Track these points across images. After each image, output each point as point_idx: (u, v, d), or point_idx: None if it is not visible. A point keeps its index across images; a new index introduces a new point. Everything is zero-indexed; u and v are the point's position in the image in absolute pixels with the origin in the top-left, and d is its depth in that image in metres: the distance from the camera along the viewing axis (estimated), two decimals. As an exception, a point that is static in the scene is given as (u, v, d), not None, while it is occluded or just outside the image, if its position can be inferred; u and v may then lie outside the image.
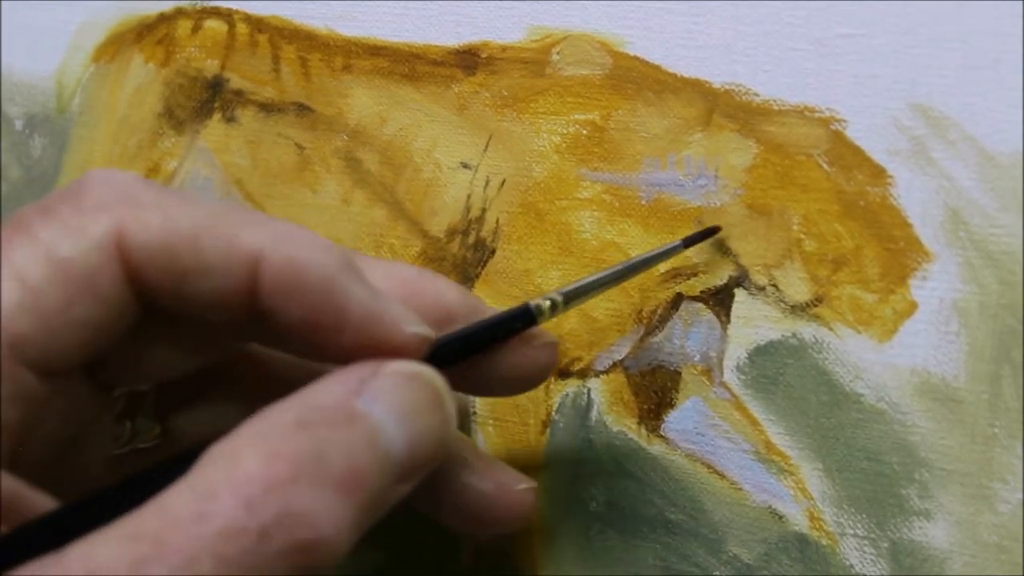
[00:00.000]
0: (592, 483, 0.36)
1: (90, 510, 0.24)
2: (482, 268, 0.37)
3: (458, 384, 0.28)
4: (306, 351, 0.28)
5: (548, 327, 0.31)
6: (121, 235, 0.26)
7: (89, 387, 0.28)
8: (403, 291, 0.29)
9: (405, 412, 0.25)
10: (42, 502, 0.25)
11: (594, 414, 0.36)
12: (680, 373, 0.35)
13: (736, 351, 0.34)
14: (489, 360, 0.30)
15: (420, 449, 0.26)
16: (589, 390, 0.36)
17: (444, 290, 0.30)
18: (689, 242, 0.33)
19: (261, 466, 0.23)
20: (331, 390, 0.25)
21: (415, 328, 0.27)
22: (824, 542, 0.33)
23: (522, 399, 0.36)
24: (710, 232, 0.34)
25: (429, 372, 0.27)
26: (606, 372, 0.36)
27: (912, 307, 0.32)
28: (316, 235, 0.27)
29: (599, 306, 0.36)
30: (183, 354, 0.29)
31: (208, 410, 0.31)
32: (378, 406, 0.25)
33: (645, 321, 0.35)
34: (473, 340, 0.29)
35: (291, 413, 0.24)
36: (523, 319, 0.30)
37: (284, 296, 0.26)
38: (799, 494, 0.33)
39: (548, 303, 0.30)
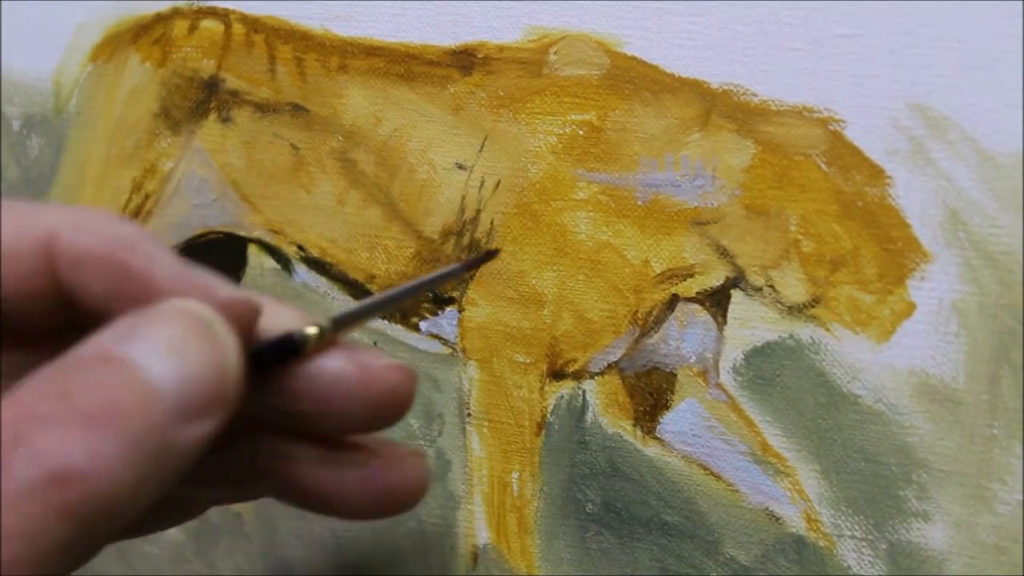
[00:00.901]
0: (588, 485, 0.36)
1: None
2: (477, 269, 0.37)
3: (302, 416, 0.27)
4: None
5: None
6: None
7: None
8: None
9: (170, 347, 0.24)
10: None
11: (589, 416, 0.36)
12: (676, 375, 0.34)
13: (732, 352, 0.34)
14: (330, 378, 0.27)
15: (195, 382, 0.24)
16: (584, 392, 0.36)
17: (279, 308, 0.28)
18: (469, 266, 0.33)
19: (7, 411, 0.22)
20: (92, 340, 0.24)
21: (231, 291, 0.26)
22: (821, 544, 0.33)
23: (517, 400, 0.36)
24: (489, 255, 0.33)
25: (196, 305, 0.25)
26: (601, 374, 0.35)
27: (910, 308, 0.31)
28: (113, 214, 0.26)
29: (594, 307, 0.35)
30: (11, 375, 0.27)
31: None
32: (139, 345, 0.24)
33: (640, 322, 0.35)
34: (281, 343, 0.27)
35: (52, 365, 0.24)
36: (287, 348, 0.27)
37: (81, 269, 0.25)
38: (796, 496, 0.33)
39: (316, 330, 0.27)
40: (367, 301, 0.30)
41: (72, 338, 0.25)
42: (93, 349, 0.24)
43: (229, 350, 0.25)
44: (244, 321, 0.26)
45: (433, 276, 0.32)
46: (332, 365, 0.27)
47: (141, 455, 0.23)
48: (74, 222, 0.26)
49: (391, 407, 0.28)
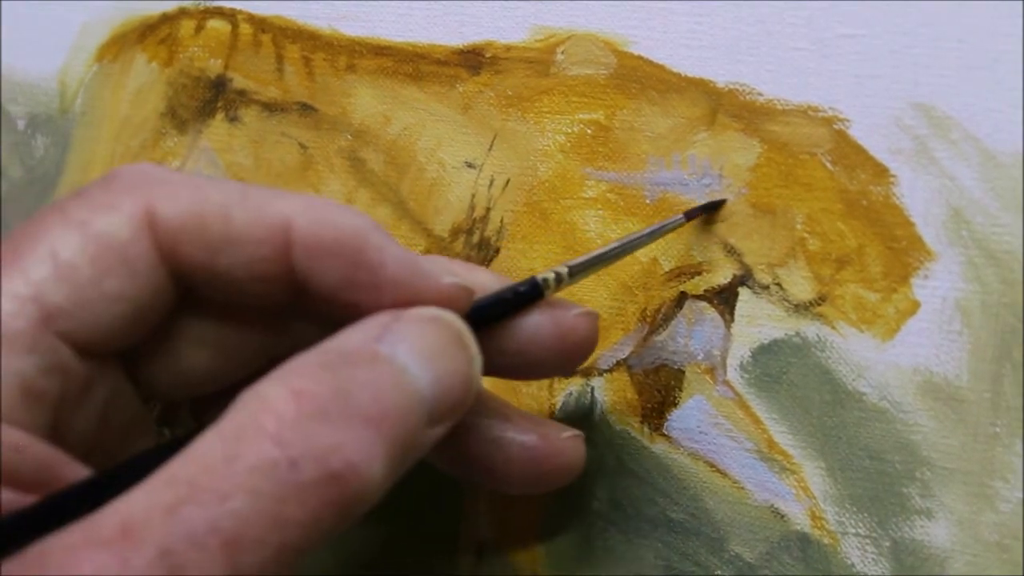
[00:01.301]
0: (594, 481, 0.36)
1: (125, 476, 0.24)
2: (486, 267, 0.37)
3: (501, 362, 0.29)
4: (346, 317, 0.27)
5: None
6: (151, 210, 0.26)
7: (129, 386, 0.28)
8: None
9: (428, 353, 0.26)
10: (85, 474, 0.25)
11: (597, 412, 0.36)
12: (684, 372, 0.35)
13: (739, 350, 0.34)
14: (525, 333, 0.30)
15: (447, 389, 0.26)
16: (592, 388, 0.36)
17: (478, 271, 0.31)
18: (691, 215, 0.33)
19: (287, 404, 0.23)
20: (352, 336, 0.26)
21: (452, 279, 0.27)
22: (826, 541, 0.33)
23: (526, 397, 0.36)
24: (715, 205, 0.34)
25: (449, 315, 0.27)
26: (610, 370, 0.36)
27: (914, 306, 0.32)
28: (345, 205, 0.28)
29: (603, 304, 0.36)
30: (220, 356, 0.29)
31: None
32: (401, 347, 0.25)
33: (649, 320, 0.35)
34: (494, 307, 0.29)
35: (314, 357, 0.25)
36: (531, 290, 0.30)
37: (318, 258, 0.26)
38: (801, 493, 0.33)
39: (554, 275, 0.30)
40: (595, 252, 0.31)
41: (294, 318, 0.28)
42: (360, 345, 0.25)
43: (476, 360, 0.27)
44: (463, 303, 0.28)
45: (656, 227, 0.33)
46: (531, 320, 0.30)
47: (399, 454, 0.24)
48: (310, 211, 0.26)
49: (580, 355, 0.31)
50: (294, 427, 0.23)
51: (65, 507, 0.23)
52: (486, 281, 0.30)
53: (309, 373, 0.24)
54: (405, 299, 0.27)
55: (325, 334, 0.26)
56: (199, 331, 0.28)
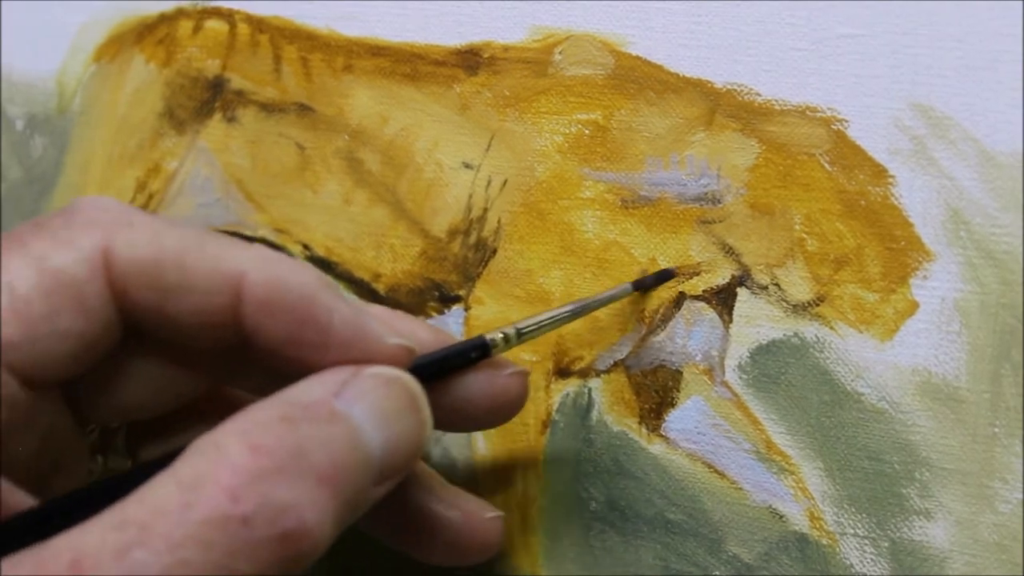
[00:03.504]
0: (592, 482, 0.36)
1: (75, 505, 0.25)
2: (483, 268, 0.37)
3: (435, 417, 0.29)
4: (290, 372, 0.28)
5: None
6: (109, 250, 0.26)
7: (68, 416, 0.28)
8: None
9: (384, 414, 0.26)
10: (28, 502, 0.26)
11: (595, 413, 0.36)
12: (681, 372, 0.35)
13: (738, 350, 0.34)
14: (461, 390, 0.31)
15: (398, 452, 0.26)
16: (590, 389, 0.36)
17: (417, 326, 0.31)
18: (639, 285, 0.34)
19: (245, 457, 0.24)
20: (312, 389, 0.26)
21: (397, 340, 0.28)
22: (824, 541, 0.33)
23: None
24: (665, 275, 0.34)
25: (407, 377, 0.27)
26: (607, 371, 0.36)
27: (913, 306, 0.32)
28: (297, 259, 0.28)
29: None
30: (160, 391, 0.30)
31: (177, 447, 0.32)
32: (357, 407, 0.26)
33: (647, 320, 0.35)
34: (443, 363, 0.30)
35: (274, 409, 0.25)
36: (480, 349, 0.31)
37: (268, 313, 0.27)
38: (799, 493, 0.33)
39: (501, 336, 0.31)
40: (545, 314, 0.32)
41: (238, 361, 0.28)
42: (319, 399, 0.26)
43: (428, 425, 0.27)
44: (405, 364, 0.28)
45: (605, 295, 0.34)
46: (468, 377, 0.31)
47: (347, 512, 0.25)
48: (264, 266, 0.27)
49: (510, 413, 0.31)
50: (250, 483, 0.23)
51: (12, 535, 0.24)
52: (425, 336, 0.31)
53: (267, 427, 0.24)
54: (350, 358, 0.27)
55: (268, 375, 0.27)
56: (143, 365, 0.29)
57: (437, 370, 0.30)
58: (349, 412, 0.26)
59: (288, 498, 0.23)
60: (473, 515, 0.32)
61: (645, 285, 0.34)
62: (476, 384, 0.31)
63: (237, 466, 0.23)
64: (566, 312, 0.33)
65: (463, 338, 0.35)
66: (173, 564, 0.22)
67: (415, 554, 0.32)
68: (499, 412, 0.31)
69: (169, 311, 0.27)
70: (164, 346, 0.28)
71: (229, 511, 0.23)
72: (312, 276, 0.27)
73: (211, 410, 0.31)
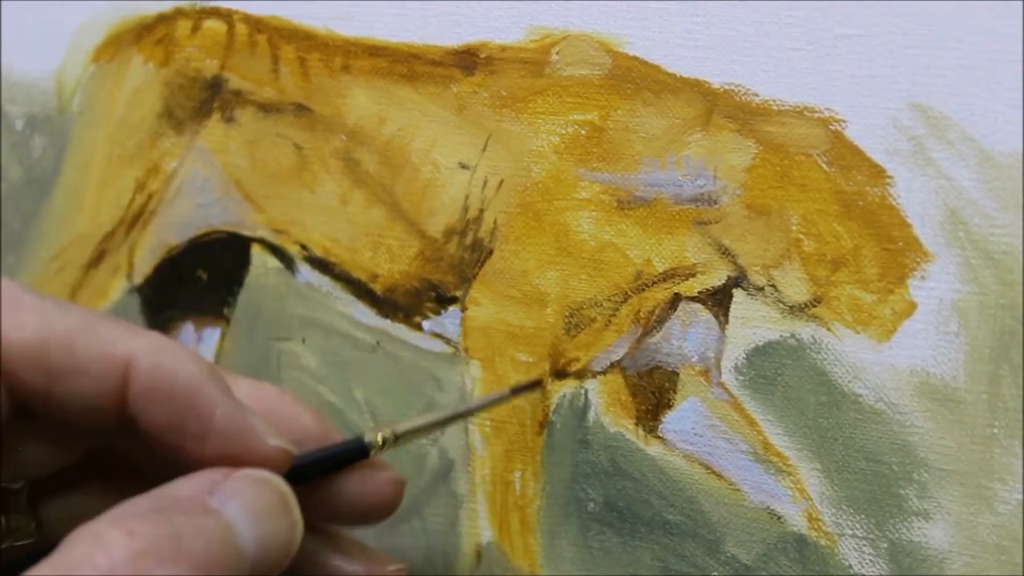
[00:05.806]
0: (590, 484, 0.36)
1: None
2: (479, 268, 0.37)
3: (309, 512, 0.29)
4: (170, 456, 0.29)
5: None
6: None
7: None
8: (261, 409, 0.30)
9: (256, 513, 0.27)
10: None
11: (591, 415, 0.36)
12: (678, 374, 0.35)
13: (734, 351, 0.34)
14: (338, 489, 0.31)
15: (270, 551, 0.27)
16: (586, 391, 0.36)
17: (301, 413, 0.32)
18: (517, 390, 0.35)
19: (121, 543, 0.24)
20: (185, 486, 0.27)
21: (276, 441, 0.29)
22: (823, 542, 0.33)
23: (519, 400, 0.36)
24: (535, 384, 0.35)
25: (277, 479, 0.28)
26: (603, 373, 0.36)
27: (911, 307, 0.32)
28: (188, 347, 0.29)
29: (597, 305, 0.36)
30: (52, 454, 0.30)
31: (79, 502, 0.32)
32: (230, 504, 0.27)
33: (643, 321, 0.35)
34: (322, 463, 0.31)
35: (148, 502, 0.26)
36: (358, 451, 0.31)
37: (151, 401, 0.28)
38: (797, 494, 0.33)
39: (381, 438, 0.31)
40: (425, 418, 0.33)
41: (123, 431, 0.29)
42: (192, 495, 0.27)
43: (298, 526, 0.28)
44: (284, 465, 0.29)
45: (483, 401, 0.35)
46: (345, 477, 0.31)
47: None
48: (153, 354, 0.28)
49: (383, 516, 0.32)
50: (126, 563, 0.24)
51: None
52: (310, 425, 0.31)
53: (143, 515, 0.25)
54: (229, 453, 0.28)
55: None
56: (36, 433, 0.29)
57: (316, 471, 0.31)
58: (222, 508, 0.26)
59: None
60: (374, 570, 0.32)
61: (518, 391, 0.35)
62: (353, 485, 0.31)
63: (112, 551, 0.24)
64: (444, 417, 0.34)
65: (462, 338, 0.35)
66: None
67: None
68: (372, 514, 0.32)
69: (55, 393, 0.27)
70: (54, 420, 0.29)
71: None
72: (200, 368, 0.28)
73: (109, 461, 0.32)
